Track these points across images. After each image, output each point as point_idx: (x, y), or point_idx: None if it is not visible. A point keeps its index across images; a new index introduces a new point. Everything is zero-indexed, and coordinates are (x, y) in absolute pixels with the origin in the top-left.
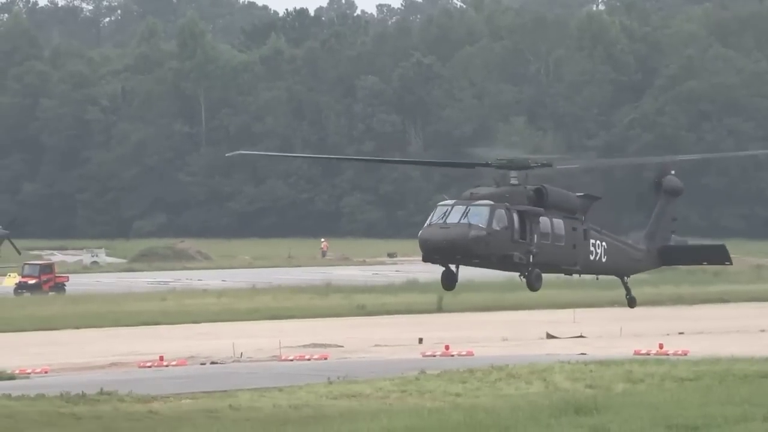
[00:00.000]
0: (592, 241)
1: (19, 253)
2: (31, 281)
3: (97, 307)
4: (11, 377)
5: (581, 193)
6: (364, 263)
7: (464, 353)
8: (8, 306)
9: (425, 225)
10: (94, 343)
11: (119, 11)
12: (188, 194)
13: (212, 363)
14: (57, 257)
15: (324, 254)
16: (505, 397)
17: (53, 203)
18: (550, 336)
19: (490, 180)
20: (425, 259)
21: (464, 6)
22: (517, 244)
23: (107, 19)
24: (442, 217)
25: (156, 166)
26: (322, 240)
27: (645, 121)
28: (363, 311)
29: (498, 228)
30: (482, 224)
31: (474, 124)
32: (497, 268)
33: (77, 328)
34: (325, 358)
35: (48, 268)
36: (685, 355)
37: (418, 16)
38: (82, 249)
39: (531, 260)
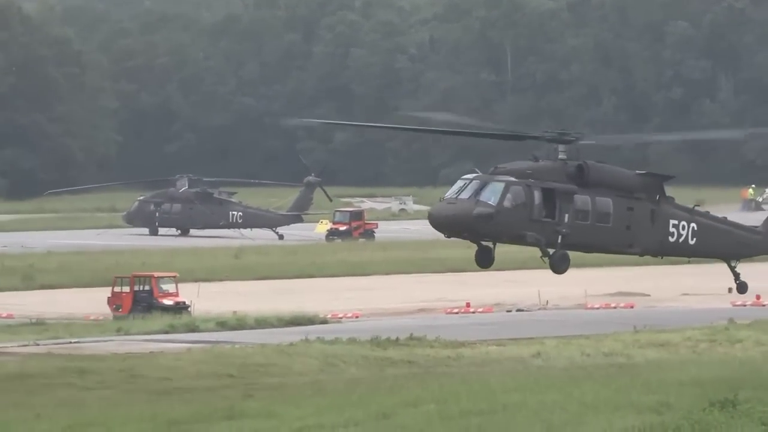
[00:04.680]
0: (673, 221)
1: (331, 200)
2: (342, 228)
3: (405, 253)
4: (324, 321)
5: (642, 171)
6: None
7: None
8: (321, 252)
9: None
10: (402, 289)
11: None
12: (494, 143)
13: (518, 310)
14: (366, 204)
15: None
16: None
17: (363, 151)
18: None
19: (542, 154)
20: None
21: None
22: (536, 223)
23: None
24: (457, 192)
25: (463, 114)
26: None
27: None
28: (669, 260)
29: (511, 206)
30: (492, 201)
31: None
32: (516, 244)
33: (386, 274)
34: (631, 307)
35: (358, 215)
36: None
37: None
38: (390, 197)
39: (560, 240)
